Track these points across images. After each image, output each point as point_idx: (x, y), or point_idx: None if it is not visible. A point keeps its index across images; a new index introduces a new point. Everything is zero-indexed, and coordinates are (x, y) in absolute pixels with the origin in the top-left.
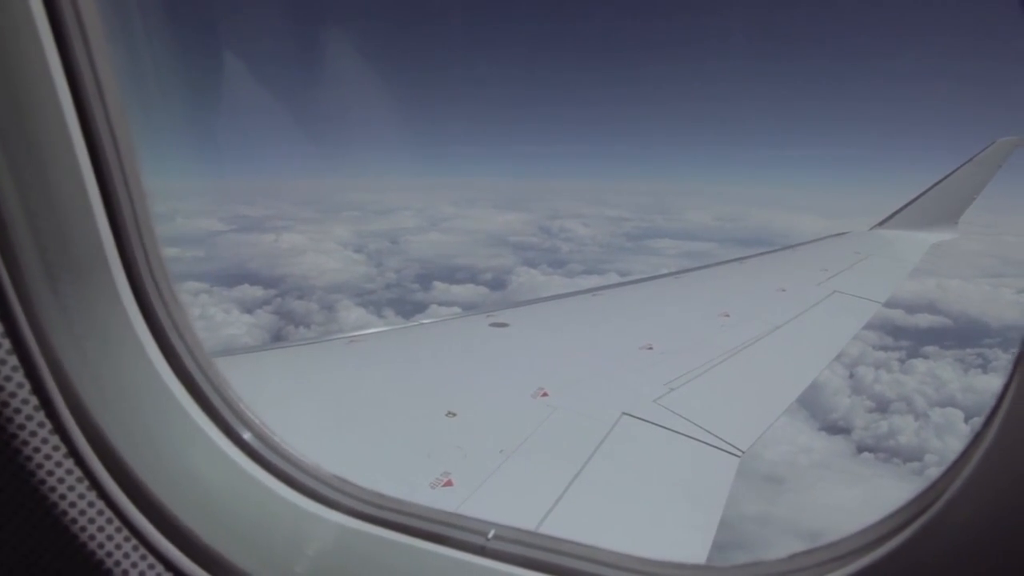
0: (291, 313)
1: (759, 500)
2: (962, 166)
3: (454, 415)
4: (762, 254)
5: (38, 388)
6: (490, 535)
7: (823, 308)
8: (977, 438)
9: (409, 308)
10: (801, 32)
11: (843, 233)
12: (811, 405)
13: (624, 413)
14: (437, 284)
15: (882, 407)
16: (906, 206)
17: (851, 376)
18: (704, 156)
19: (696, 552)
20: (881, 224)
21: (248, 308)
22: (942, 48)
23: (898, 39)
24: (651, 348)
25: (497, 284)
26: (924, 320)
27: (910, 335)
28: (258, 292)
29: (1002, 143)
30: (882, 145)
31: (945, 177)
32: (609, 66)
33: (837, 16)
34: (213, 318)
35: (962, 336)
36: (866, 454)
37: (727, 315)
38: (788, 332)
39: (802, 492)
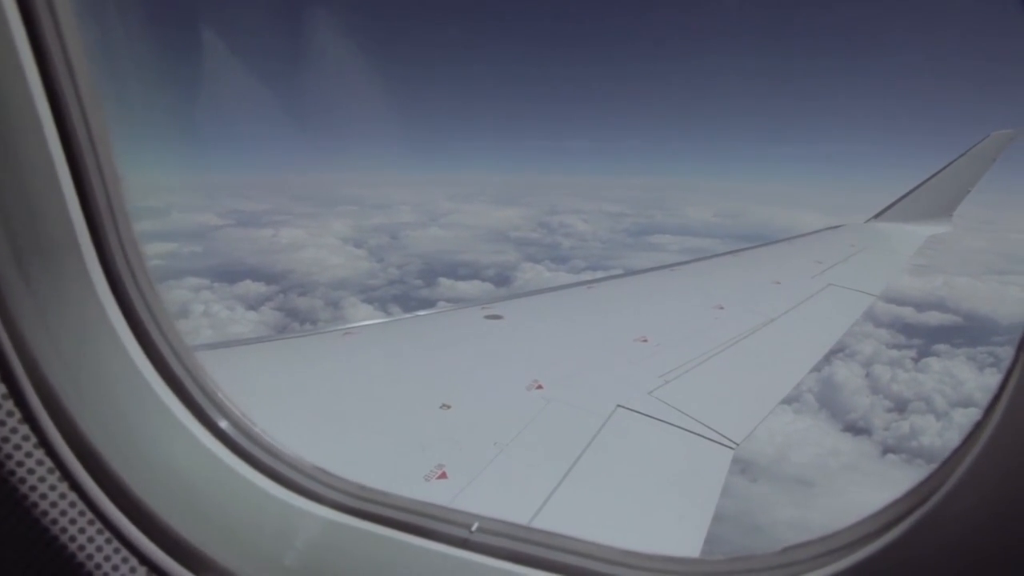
0: (296, 310)
1: (792, 504)
2: (957, 159)
3: (448, 407)
4: (757, 247)
5: (6, 376)
6: (473, 528)
7: (818, 300)
8: (974, 432)
9: (415, 304)
10: (801, 28)
11: (838, 226)
12: (831, 405)
13: (619, 405)
14: (442, 280)
15: (900, 407)
16: (901, 199)
17: (867, 375)
18: (701, 153)
19: (691, 544)
20: (876, 217)
21: (252, 305)
22: (940, 43)
23: (896, 35)
24: (646, 340)
25: (501, 280)
26: (934, 318)
27: (921, 333)
28: (261, 288)
29: (997, 136)
30: (883, 140)
31: (940, 170)
32: (603, 61)
33: (837, 12)
34: (218, 315)
35: (972, 334)
36: (891, 455)
37: (721, 308)
38: (782, 324)
39: (835, 496)
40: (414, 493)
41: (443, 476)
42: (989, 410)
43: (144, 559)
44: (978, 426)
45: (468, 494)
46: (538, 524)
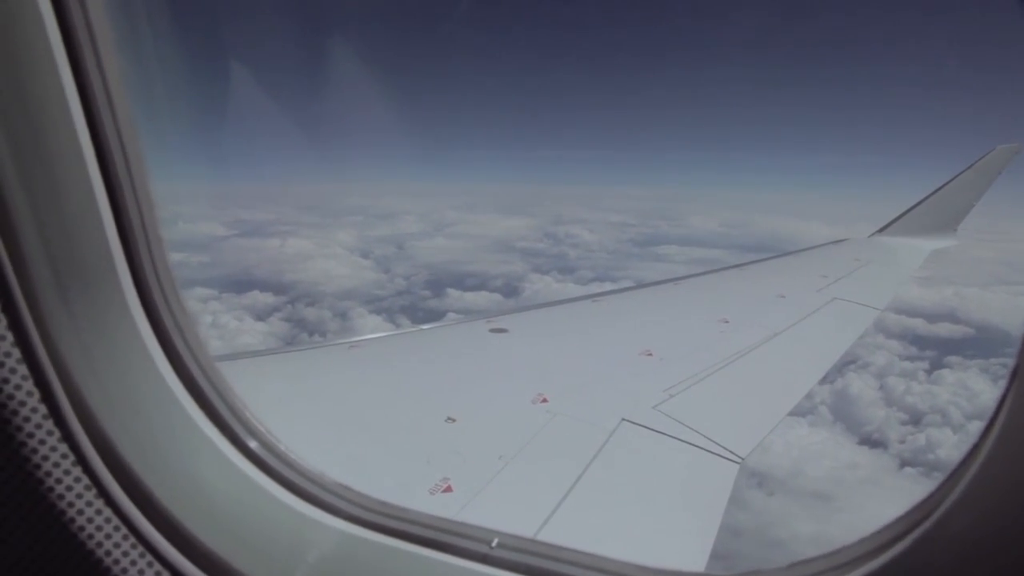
0: (304, 320)
1: (811, 519)
2: (961, 173)
3: (454, 421)
4: (762, 260)
5: (47, 397)
6: (493, 543)
7: (822, 314)
8: (975, 448)
9: (423, 315)
10: (807, 38)
11: (842, 240)
12: (846, 418)
13: (624, 419)
14: (450, 291)
15: (916, 419)
16: (905, 213)
17: (881, 388)
18: (705, 162)
19: (696, 559)
20: (881, 231)
21: (260, 315)
22: (947, 55)
23: (903, 46)
24: (651, 354)
25: (509, 291)
26: (945, 329)
27: (933, 345)
28: (269, 299)
29: (1001, 150)
30: (888, 150)
31: (944, 184)
32: (606, 71)
33: (842, 22)
34: (226, 326)
35: (984, 345)
36: (908, 468)
37: (726, 321)
38: (787, 338)
39: (854, 510)
40: (419, 507)
41: (448, 490)
42: (988, 427)
43: (175, 571)
44: (978, 443)
45: (473, 508)
46: (543, 538)
